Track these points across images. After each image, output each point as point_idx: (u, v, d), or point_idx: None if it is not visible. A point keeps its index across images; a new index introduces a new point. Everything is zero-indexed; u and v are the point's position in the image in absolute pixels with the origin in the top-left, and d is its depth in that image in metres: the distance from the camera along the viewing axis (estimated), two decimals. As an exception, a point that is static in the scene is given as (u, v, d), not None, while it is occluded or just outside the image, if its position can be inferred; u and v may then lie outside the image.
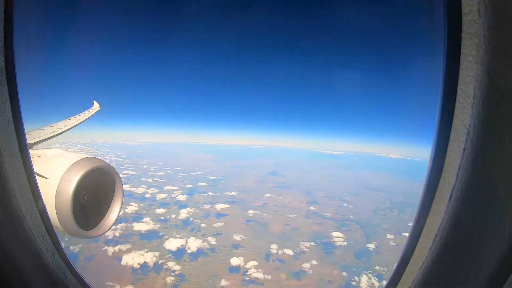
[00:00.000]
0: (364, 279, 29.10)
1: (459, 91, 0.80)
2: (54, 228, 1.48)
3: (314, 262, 31.49)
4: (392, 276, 1.11)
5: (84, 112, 7.47)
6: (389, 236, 37.57)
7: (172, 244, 33.03)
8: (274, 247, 34.16)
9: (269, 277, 28.43)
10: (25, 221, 1.19)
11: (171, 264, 28.96)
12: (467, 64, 0.77)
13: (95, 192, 2.72)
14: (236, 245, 34.35)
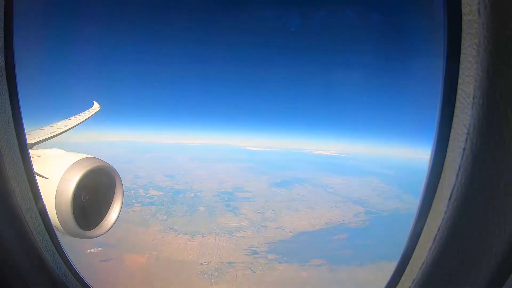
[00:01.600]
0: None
1: (459, 91, 0.80)
2: (54, 228, 1.48)
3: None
4: (392, 276, 1.11)
5: (84, 112, 7.47)
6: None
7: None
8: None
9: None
10: (25, 221, 1.19)
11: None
12: (467, 64, 0.77)
13: (95, 192, 2.72)
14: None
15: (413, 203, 44.54)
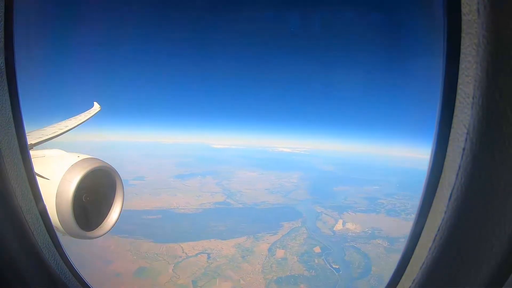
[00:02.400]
0: None
1: (459, 91, 0.80)
2: (55, 228, 1.49)
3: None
4: (392, 276, 1.11)
5: (84, 113, 7.47)
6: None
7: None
8: None
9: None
10: (26, 222, 1.19)
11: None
12: (466, 64, 0.77)
13: (96, 193, 2.72)
14: None
15: (296, 200, 46.86)
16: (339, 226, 37.48)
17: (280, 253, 30.83)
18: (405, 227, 36.25)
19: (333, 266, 28.80)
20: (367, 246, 32.59)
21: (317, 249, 31.64)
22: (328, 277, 27.37)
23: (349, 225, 37.69)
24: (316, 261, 29.71)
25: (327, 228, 36.84)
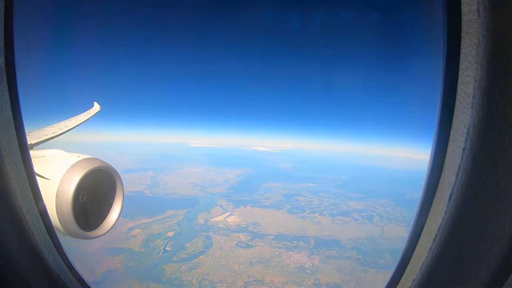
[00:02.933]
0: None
1: (459, 91, 0.80)
2: (55, 228, 1.49)
3: None
4: (392, 276, 1.11)
5: (84, 113, 7.47)
6: None
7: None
8: None
9: None
10: (26, 222, 1.19)
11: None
12: (466, 64, 0.77)
13: (96, 193, 2.72)
14: None
15: (208, 193, 48.29)
16: (219, 218, 38.03)
17: (135, 232, 32.59)
18: (292, 225, 36.88)
19: (166, 248, 30.35)
20: (222, 238, 33.07)
21: (170, 234, 33.06)
22: (149, 254, 29.13)
23: (232, 218, 38.05)
24: (157, 242, 31.21)
25: (204, 218, 37.79)
